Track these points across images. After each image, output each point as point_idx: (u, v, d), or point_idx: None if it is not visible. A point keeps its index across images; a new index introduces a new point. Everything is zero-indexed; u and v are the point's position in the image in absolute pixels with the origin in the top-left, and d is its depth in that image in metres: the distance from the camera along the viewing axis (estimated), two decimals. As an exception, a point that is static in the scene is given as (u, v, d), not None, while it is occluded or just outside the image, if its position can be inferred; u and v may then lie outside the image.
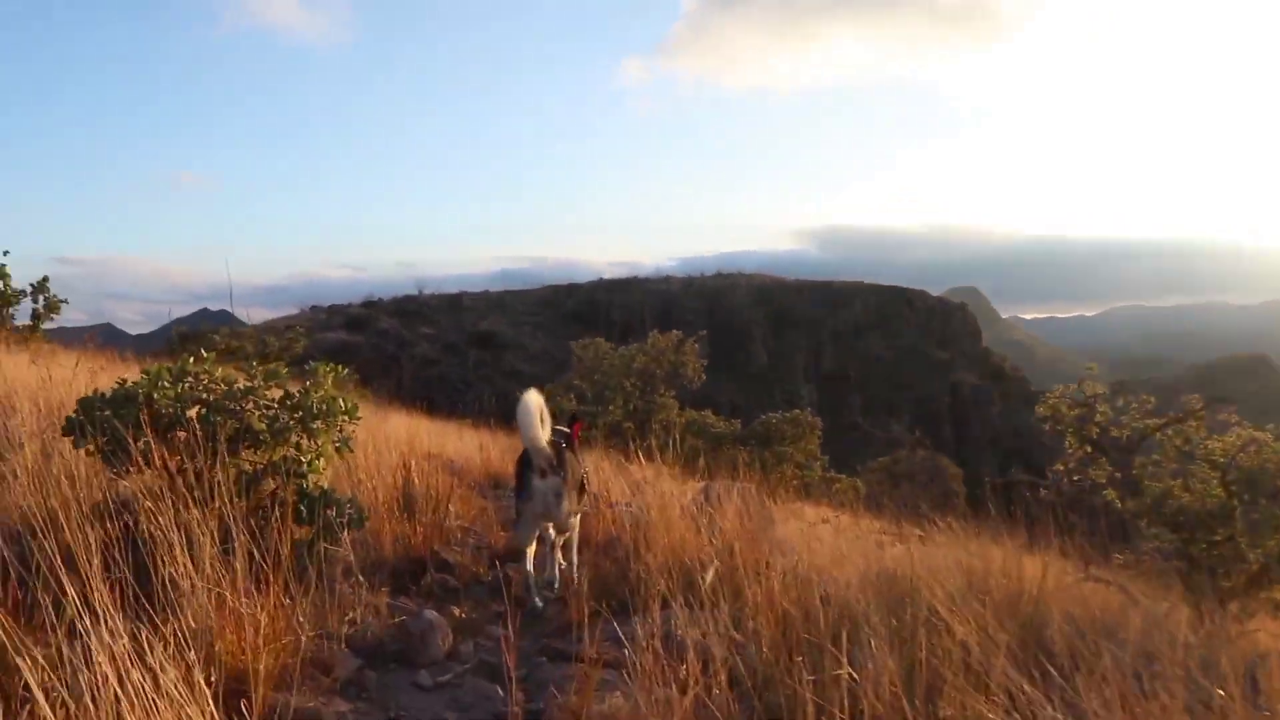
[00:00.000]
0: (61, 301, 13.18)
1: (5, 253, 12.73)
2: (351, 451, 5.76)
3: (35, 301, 13.03)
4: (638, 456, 8.65)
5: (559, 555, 6.18)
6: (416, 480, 7.27)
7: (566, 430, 6.43)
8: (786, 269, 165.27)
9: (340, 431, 5.53)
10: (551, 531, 6.05)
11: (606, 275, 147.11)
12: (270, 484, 5.19)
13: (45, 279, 13.12)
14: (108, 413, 4.92)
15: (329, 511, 5.20)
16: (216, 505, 4.41)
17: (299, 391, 5.44)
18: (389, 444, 8.97)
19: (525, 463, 5.69)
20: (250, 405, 5.24)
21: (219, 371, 5.41)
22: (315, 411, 5.35)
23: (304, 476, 5.21)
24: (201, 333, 23.50)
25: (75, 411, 5.00)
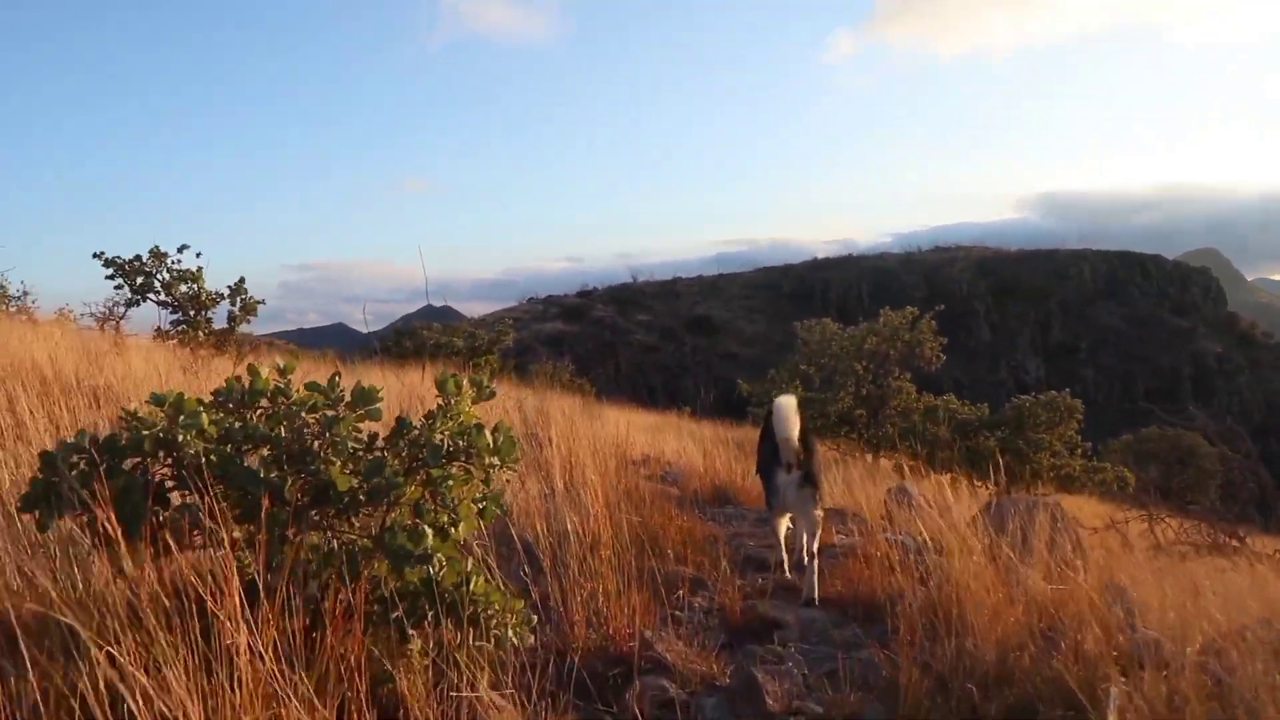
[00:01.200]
0: (258, 303, 13.42)
1: (199, 254, 13.05)
2: (503, 511, 3.86)
3: (232, 304, 13.36)
4: (885, 458, 7.76)
5: (813, 550, 5.71)
6: (625, 521, 5.60)
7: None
8: (1007, 239, 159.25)
9: (489, 479, 3.65)
10: (802, 531, 5.85)
11: (821, 254, 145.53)
12: (378, 569, 3.41)
13: (241, 280, 13.40)
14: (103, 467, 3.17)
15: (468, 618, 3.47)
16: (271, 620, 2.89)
17: (424, 421, 3.58)
18: (597, 452, 7.61)
19: (769, 450, 5.77)
20: (328, 445, 3.39)
21: (299, 394, 3.54)
22: (448, 449, 3.52)
23: (421, 560, 3.38)
24: (414, 329, 24.00)
25: (38, 471, 3.23)
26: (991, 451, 15.86)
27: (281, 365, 3.60)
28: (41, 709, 2.54)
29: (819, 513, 5.78)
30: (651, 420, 24.53)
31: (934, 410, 17.97)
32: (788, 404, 5.65)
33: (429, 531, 3.38)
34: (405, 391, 10.10)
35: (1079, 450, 16.79)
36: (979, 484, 16.92)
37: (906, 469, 17.50)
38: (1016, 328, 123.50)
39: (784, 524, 6.13)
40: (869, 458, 20.34)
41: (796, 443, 5.58)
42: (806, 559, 5.64)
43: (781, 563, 6.16)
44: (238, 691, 2.69)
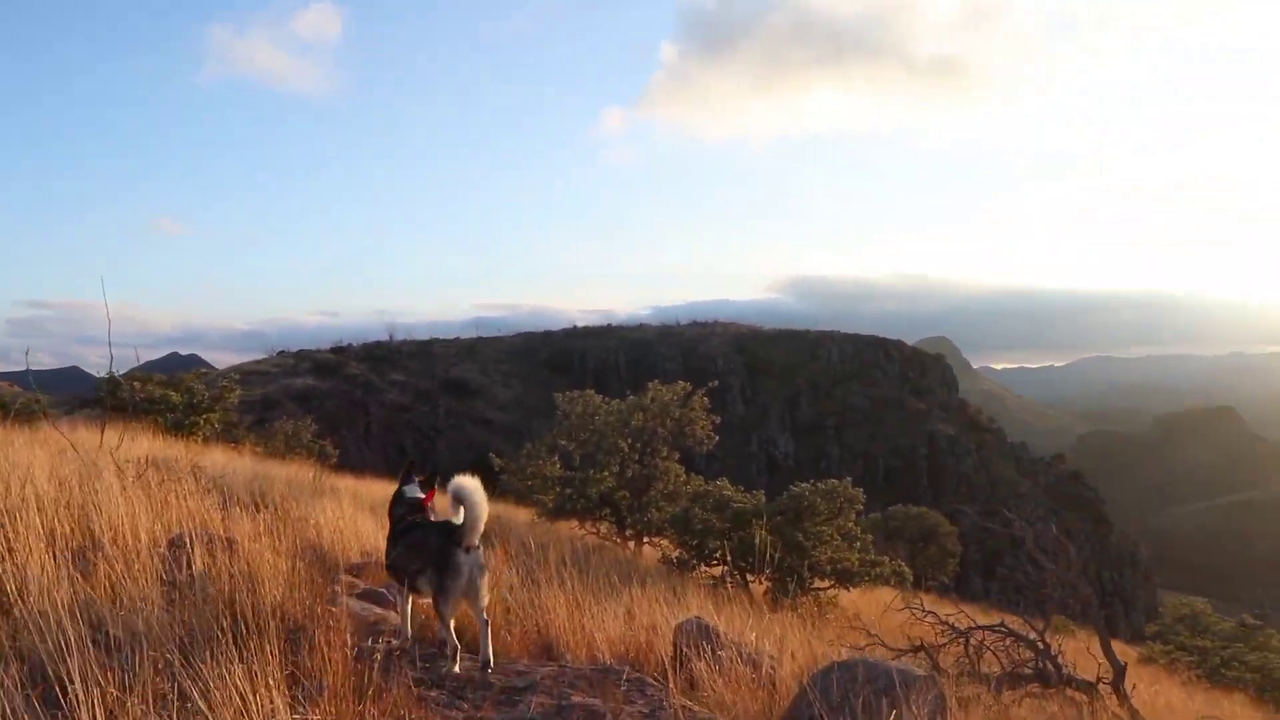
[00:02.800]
0: None
1: None
2: None
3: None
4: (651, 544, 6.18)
5: (487, 628, 5.55)
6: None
7: (420, 496, 6.13)
8: (761, 318, 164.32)
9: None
10: (478, 609, 5.58)
11: (580, 323, 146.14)
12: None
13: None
14: None
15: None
16: None
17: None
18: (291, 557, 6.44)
19: (436, 533, 5.52)
20: None
21: None
22: None
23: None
24: (119, 381, 21.09)
25: None
26: (765, 543, 14.68)
27: None
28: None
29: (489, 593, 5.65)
30: (388, 492, 22.37)
31: (705, 496, 16.59)
32: (476, 485, 5.30)
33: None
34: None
35: (858, 543, 15.75)
36: (756, 580, 15.69)
37: (675, 559, 16.19)
38: (768, 403, 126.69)
39: (455, 612, 5.61)
40: (630, 545, 18.84)
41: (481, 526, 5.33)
42: (480, 624, 5.52)
43: (455, 652, 5.57)
44: None
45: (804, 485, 15.73)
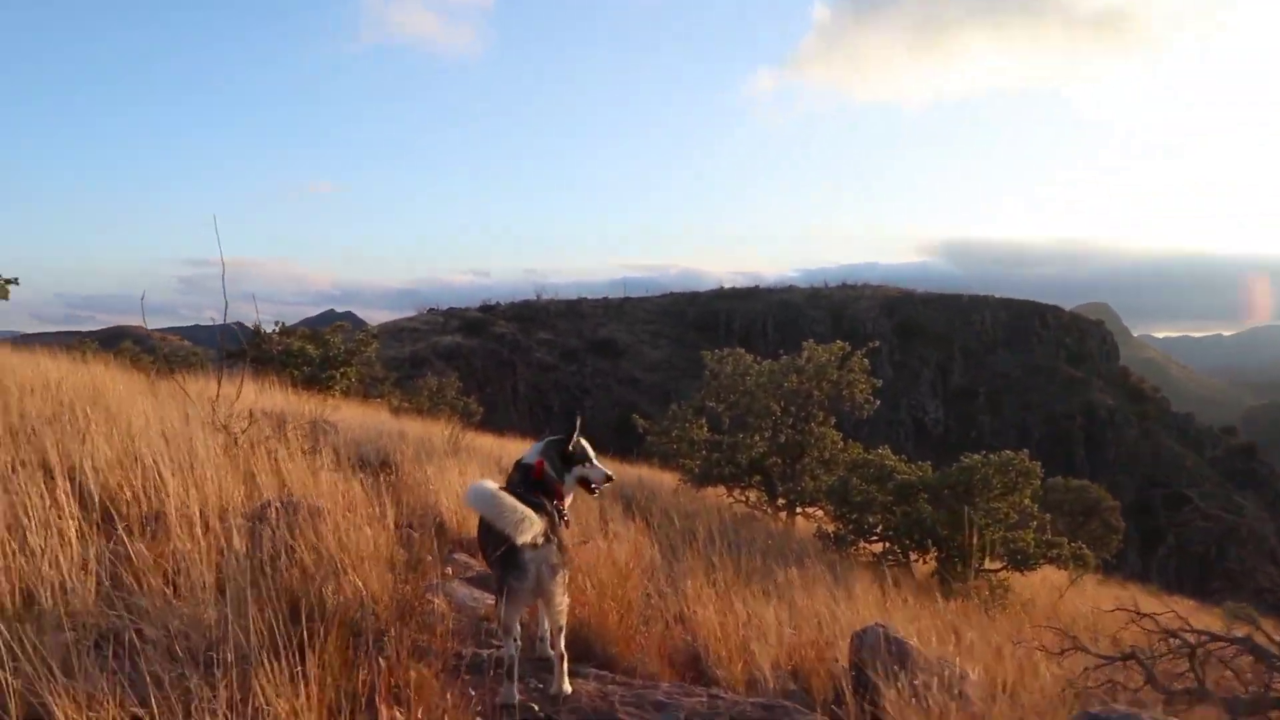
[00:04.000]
0: (10, 283, 11.20)
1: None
2: None
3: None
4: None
5: (560, 647, 4.59)
6: None
7: (532, 462, 4.94)
8: (912, 282, 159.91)
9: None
10: (549, 624, 4.74)
11: (727, 284, 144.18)
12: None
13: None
14: None
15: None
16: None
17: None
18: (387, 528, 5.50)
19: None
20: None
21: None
22: None
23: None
24: (262, 332, 20.73)
25: None
26: (932, 520, 13.28)
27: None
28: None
29: (567, 599, 4.66)
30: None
31: (865, 465, 15.18)
32: (489, 494, 4.36)
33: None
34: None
35: (1034, 522, 14.17)
36: (920, 560, 14.30)
37: (832, 534, 14.88)
38: (919, 368, 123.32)
39: (517, 619, 4.59)
40: (783, 516, 17.58)
41: (536, 514, 4.36)
42: (555, 657, 4.60)
43: (513, 669, 4.42)
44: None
45: (975, 457, 14.20)
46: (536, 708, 4.18)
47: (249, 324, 21.23)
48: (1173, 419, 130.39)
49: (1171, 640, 7.10)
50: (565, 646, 4.51)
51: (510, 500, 4.30)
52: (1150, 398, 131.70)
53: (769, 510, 17.62)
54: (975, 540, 12.95)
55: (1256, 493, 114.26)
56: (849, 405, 17.68)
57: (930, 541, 13.62)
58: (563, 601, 4.58)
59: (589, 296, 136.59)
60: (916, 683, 4.21)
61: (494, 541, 4.49)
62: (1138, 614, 7.79)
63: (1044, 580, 15.93)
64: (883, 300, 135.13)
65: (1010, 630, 10.15)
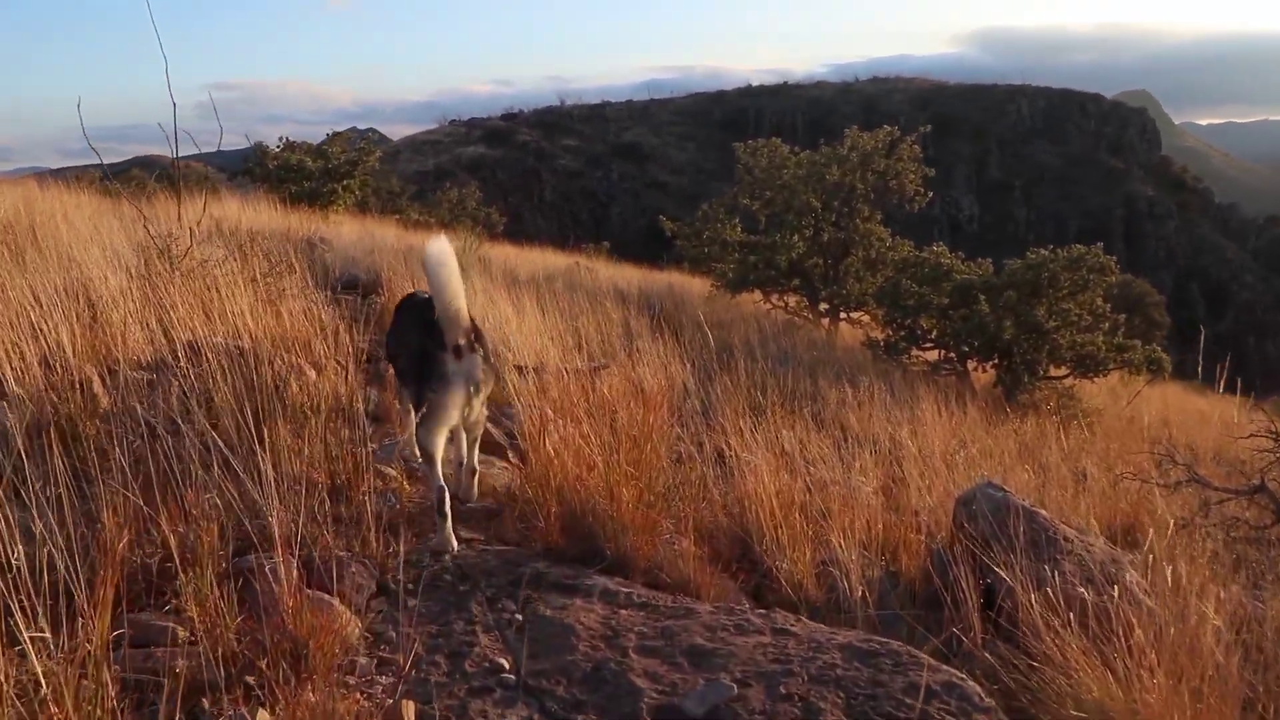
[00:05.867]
0: None
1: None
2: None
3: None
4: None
5: (474, 460, 4.21)
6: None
7: None
8: (946, 74, 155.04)
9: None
10: (465, 442, 4.18)
11: (755, 83, 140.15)
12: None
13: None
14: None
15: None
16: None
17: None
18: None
19: (422, 331, 3.85)
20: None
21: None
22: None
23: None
24: (265, 149, 19.23)
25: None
26: (997, 326, 11.89)
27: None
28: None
29: (485, 411, 4.19)
30: (559, 264, 20.13)
31: (917, 264, 13.70)
32: (446, 252, 3.75)
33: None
34: None
35: (1106, 323, 12.76)
36: (979, 368, 13.00)
37: (882, 342, 13.53)
38: (952, 163, 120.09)
39: (443, 442, 3.93)
40: (825, 322, 16.22)
41: (467, 313, 3.84)
42: (467, 471, 4.20)
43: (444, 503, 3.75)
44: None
45: (1043, 252, 12.70)
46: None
47: (269, 146, 19.81)
48: (1215, 209, 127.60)
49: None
50: (560, 534, 3.51)
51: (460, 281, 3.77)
52: (1192, 189, 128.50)
53: (810, 317, 16.26)
54: (1046, 347, 11.69)
55: None
56: (897, 198, 16.06)
57: (993, 348, 12.29)
58: (483, 414, 4.15)
59: (612, 101, 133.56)
60: (1067, 583, 2.94)
61: (411, 338, 4.06)
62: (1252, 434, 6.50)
63: (1107, 385, 14.70)
64: (916, 93, 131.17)
65: (1101, 451, 8.97)
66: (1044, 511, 3.45)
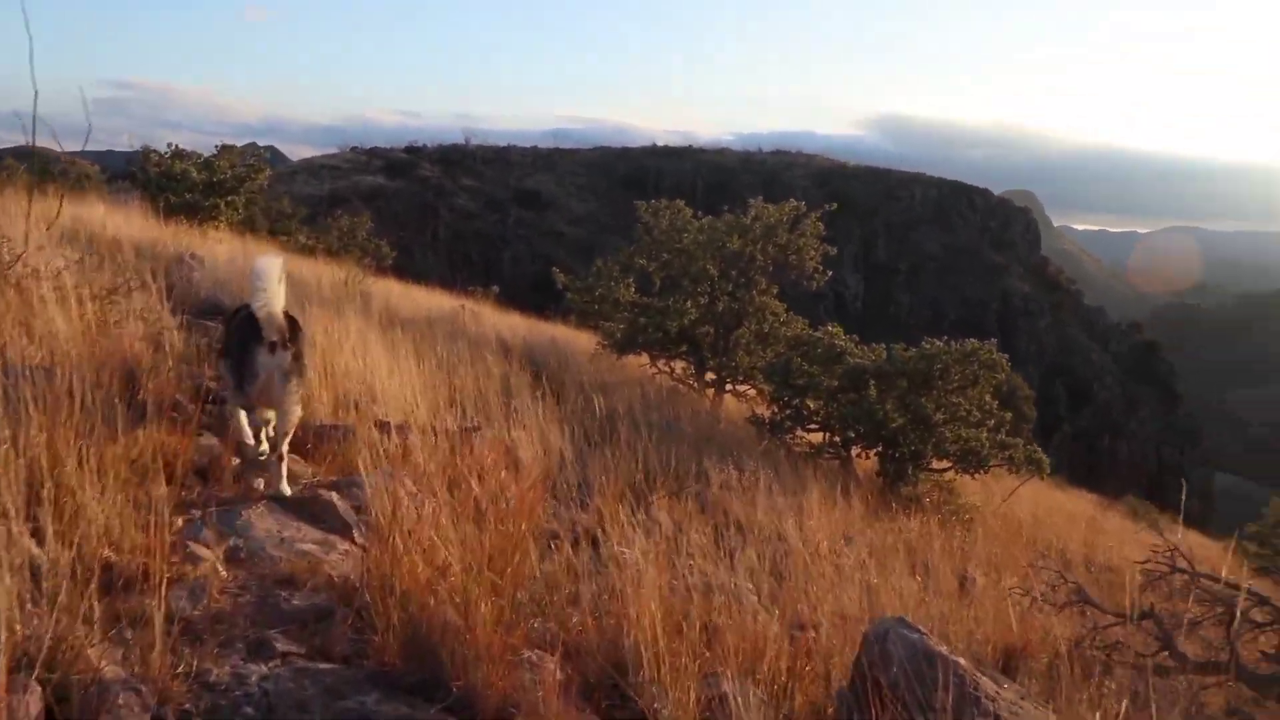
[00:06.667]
0: None
1: None
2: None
3: None
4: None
5: (284, 449, 4.61)
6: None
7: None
8: (845, 154, 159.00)
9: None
10: (270, 428, 4.72)
11: (661, 143, 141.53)
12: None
13: None
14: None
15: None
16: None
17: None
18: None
19: (246, 331, 4.47)
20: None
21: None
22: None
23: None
24: (150, 153, 18.23)
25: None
26: (886, 414, 11.61)
27: None
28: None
29: (299, 409, 4.66)
30: (444, 306, 19.43)
31: (811, 343, 13.35)
32: (270, 266, 4.41)
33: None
34: None
35: (992, 419, 12.57)
36: (862, 454, 12.76)
37: (767, 420, 13.17)
38: (843, 242, 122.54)
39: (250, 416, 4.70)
40: (710, 393, 15.83)
41: (282, 316, 4.41)
42: (275, 459, 4.61)
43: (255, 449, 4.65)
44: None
45: (938, 343, 12.48)
46: None
47: (162, 150, 18.75)
48: (1084, 311, 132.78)
49: (1209, 602, 5.60)
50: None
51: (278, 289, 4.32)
52: (1065, 289, 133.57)
53: (695, 385, 15.85)
54: (932, 439, 11.49)
55: (1153, 389, 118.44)
56: (796, 274, 15.78)
57: (879, 435, 12.02)
58: (294, 411, 4.60)
59: (519, 145, 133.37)
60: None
61: (235, 337, 4.56)
62: (1171, 566, 6.25)
63: (980, 478, 14.57)
64: (816, 170, 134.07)
65: (984, 554, 8.71)
66: (962, 660, 3.03)
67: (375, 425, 5.20)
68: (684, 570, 4.38)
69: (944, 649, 3.02)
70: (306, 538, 3.88)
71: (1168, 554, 6.22)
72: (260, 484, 4.53)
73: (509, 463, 5.78)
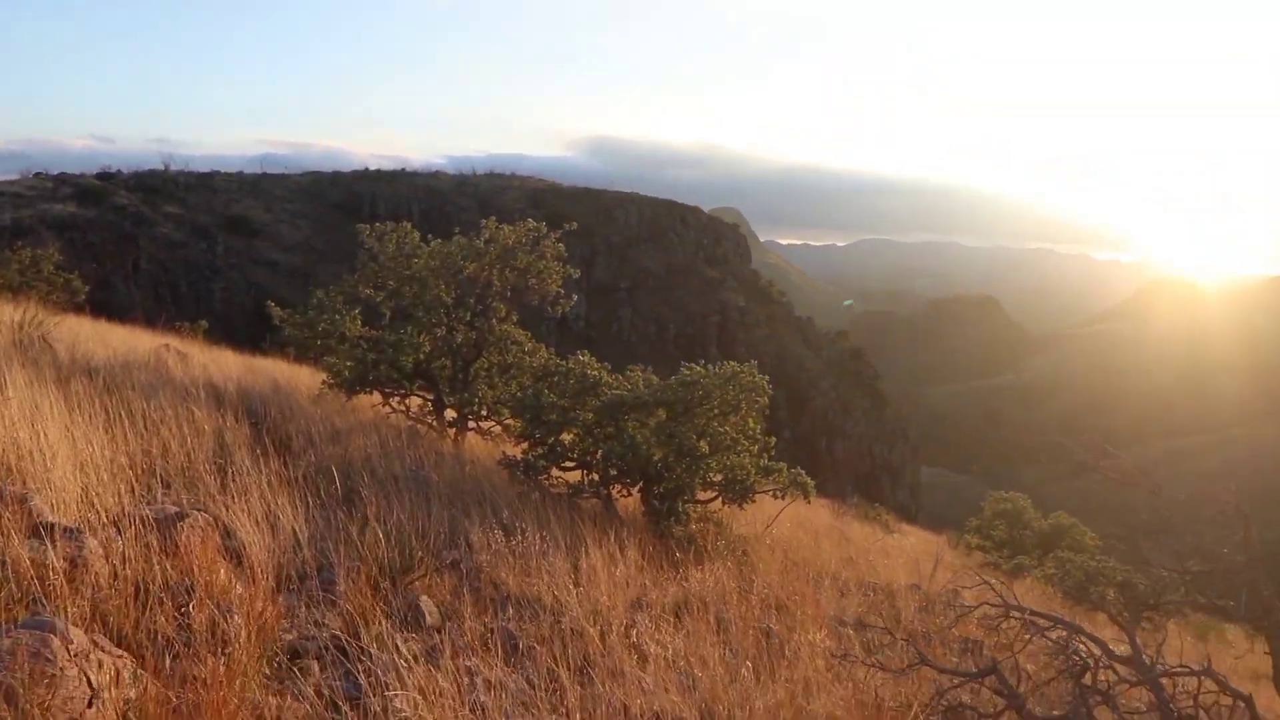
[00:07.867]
0: None
1: None
2: None
3: None
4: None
5: None
6: None
7: None
8: (559, 175, 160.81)
9: None
10: None
11: (373, 166, 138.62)
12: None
13: None
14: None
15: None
16: None
17: None
18: None
19: None
20: None
21: None
22: None
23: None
24: None
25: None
26: (646, 446, 10.77)
27: None
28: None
29: None
30: (146, 346, 17.32)
31: (562, 374, 12.37)
32: None
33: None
34: None
35: (758, 444, 12.00)
36: (624, 493, 11.86)
37: (520, 461, 12.03)
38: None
39: None
40: (452, 433, 14.57)
41: None
42: None
43: None
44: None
45: (697, 368, 11.78)
46: None
47: None
48: (796, 322, 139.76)
49: (1065, 653, 5.05)
50: None
51: None
52: (776, 301, 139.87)
53: (434, 424, 14.53)
54: (699, 470, 10.80)
55: (861, 392, 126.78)
56: (537, 298, 14.79)
57: (643, 471, 11.17)
58: None
59: (223, 170, 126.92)
60: None
61: None
62: (1005, 606, 5.66)
63: (761, 512, 14.02)
64: (531, 191, 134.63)
65: (775, 595, 7.99)
66: None
67: (30, 532, 3.73)
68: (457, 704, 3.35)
69: None
70: None
71: (998, 599, 5.65)
72: None
73: (228, 557, 4.57)
